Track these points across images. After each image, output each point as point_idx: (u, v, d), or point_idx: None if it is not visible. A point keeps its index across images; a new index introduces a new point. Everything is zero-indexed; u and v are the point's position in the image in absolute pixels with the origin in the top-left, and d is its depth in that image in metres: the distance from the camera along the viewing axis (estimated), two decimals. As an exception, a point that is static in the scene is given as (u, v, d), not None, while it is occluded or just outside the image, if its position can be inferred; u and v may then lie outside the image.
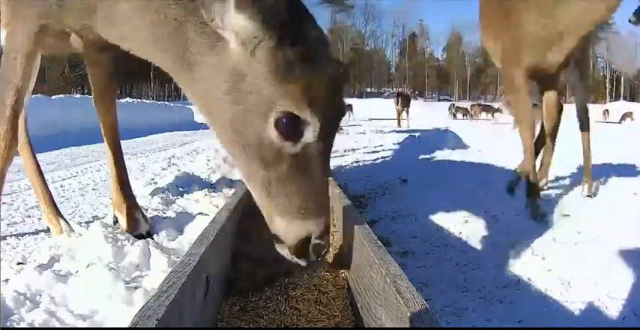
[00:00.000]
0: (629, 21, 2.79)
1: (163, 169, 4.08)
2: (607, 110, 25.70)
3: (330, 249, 1.43)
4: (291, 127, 0.96)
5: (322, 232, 1.01)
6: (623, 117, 22.87)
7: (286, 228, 1.02)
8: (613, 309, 1.35)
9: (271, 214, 1.03)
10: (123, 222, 1.94)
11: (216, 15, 0.96)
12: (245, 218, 1.67)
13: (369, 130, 10.79)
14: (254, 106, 0.98)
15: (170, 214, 2.30)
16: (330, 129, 1.00)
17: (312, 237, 1.00)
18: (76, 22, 1.36)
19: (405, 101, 16.40)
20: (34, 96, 6.03)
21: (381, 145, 6.39)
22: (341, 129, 9.88)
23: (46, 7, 1.38)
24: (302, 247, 1.01)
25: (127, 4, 1.20)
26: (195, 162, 4.36)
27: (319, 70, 0.96)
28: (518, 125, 2.50)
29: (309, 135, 0.97)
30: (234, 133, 1.03)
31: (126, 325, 0.61)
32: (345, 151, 5.57)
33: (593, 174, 2.70)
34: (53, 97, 9.86)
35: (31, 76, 1.48)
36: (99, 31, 1.33)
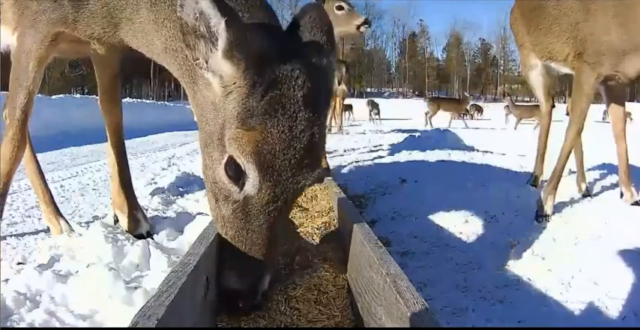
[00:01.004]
0: None
1: (163, 169, 4.08)
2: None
3: (330, 248, 1.43)
4: (235, 173, 0.96)
5: (246, 293, 0.99)
6: None
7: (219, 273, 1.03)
8: (613, 309, 1.35)
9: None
10: (124, 222, 1.94)
11: (200, 55, 0.97)
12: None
13: (369, 130, 10.80)
14: (218, 142, 0.99)
15: (170, 214, 2.30)
16: (281, 189, 0.95)
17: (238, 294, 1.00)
18: (97, 30, 1.37)
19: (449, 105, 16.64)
20: (34, 96, 5.99)
21: (381, 145, 6.40)
22: (341, 129, 9.89)
23: (61, 16, 1.37)
24: (229, 298, 1.01)
25: (149, 17, 1.24)
26: (195, 162, 4.37)
27: (275, 128, 0.92)
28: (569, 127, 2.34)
29: (249, 188, 0.95)
30: (203, 159, 1.06)
31: (126, 325, 0.61)
32: (345, 151, 5.57)
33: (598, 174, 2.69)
34: (53, 97, 9.87)
35: (41, 79, 1.49)
36: (124, 39, 1.35)
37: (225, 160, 0.97)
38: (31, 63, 1.43)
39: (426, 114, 16.92)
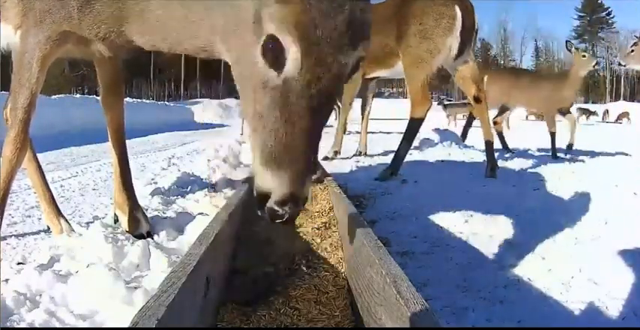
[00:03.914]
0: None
1: (163, 169, 4.08)
2: (607, 110, 25.73)
3: (330, 249, 1.43)
4: (274, 53, 0.90)
5: (281, 198, 0.89)
6: (619, 117, 22.92)
7: (254, 175, 0.96)
8: (613, 309, 1.35)
9: (253, 153, 0.97)
10: (124, 221, 1.94)
11: None
12: (245, 218, 1.67)
13: (369, 129, 10.77)
14: (253, 28, 0.93)
15: (170, 214, 2.30)
16: (323, 68, 0.89)
17: (270, 198, 0.90)
18: (102, 30, 1.35)
19: None
20: (34, 96, 6.04)
21: (381, 145, 6.39)
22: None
23: (67, 15, 1.36)
24: (261, 201, 0.93)
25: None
26: (195, 162, 4.37)
27: None
28: None
29: (289, 67, 0.89)
30: (237, 62, 1.01)
31: (126, 325, 0.62)
32: (344, 151, 5.56)
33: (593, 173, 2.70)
34: (53, 97, 9.87)
35: (44, 78, 1.47)
36: (132, 37, 1.33)
37: (262, 40, 0.91)
38: (35, 63, 1.42)
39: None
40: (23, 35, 1.45)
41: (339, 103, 10.23)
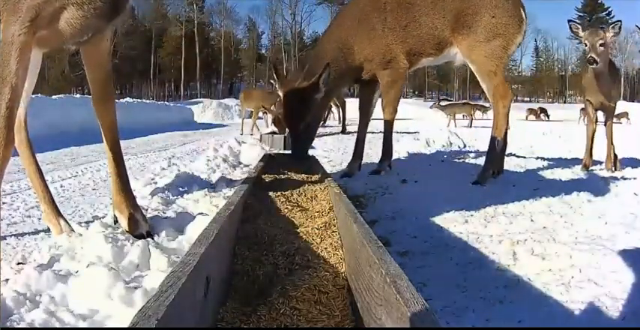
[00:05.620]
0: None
1: (163, 169, 4.08)
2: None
3: (330, 249, 1.43)
4: None
5: None
6: (618, 117, 22.88)
7: None
8: (613, 309, 1.35)
9: None
10: (123, 222, 1.94)
11: None
12: (245, 217, 1.67)
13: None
14: None
15: (170, 214, 2.30)
16: None
17: None
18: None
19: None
20: (34, 96, 6.05)
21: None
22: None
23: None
24: None
25: None
26: (195, 162, 4.37)
27: None
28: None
29: None
30: None
31: (126, 325, 0.62)
32: (344, 151, 5.57)
33: (593, 173, 2.70)
34: (53, 97, 9.88)
35: (26, 72, 1.44)
36: None
37: None
38: (14, 54, 1.39)
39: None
40: (4, 30, 1.44)
41: (337, 102, 10.28)
